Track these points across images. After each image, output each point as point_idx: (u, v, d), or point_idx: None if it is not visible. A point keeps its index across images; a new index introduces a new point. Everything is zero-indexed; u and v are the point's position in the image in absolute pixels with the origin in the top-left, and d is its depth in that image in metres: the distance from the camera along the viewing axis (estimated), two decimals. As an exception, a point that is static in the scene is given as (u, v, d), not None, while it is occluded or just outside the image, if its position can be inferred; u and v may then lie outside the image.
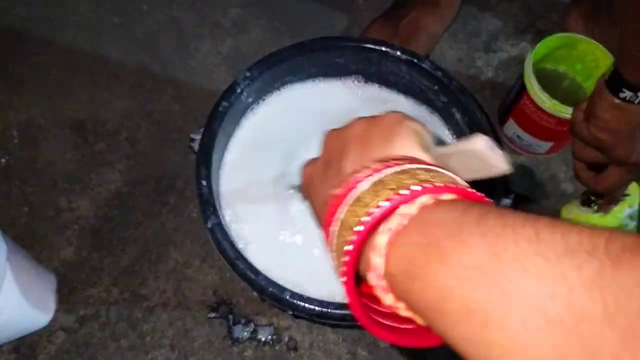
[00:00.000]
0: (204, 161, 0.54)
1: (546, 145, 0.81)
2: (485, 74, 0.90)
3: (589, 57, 0.78)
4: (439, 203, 0.28)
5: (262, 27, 0.92)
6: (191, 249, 0.78)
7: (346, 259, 0.29)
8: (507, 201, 0.55)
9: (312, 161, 0.40)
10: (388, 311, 0.30)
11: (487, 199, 0.30)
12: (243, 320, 0.74)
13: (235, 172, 0.59)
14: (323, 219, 0.33)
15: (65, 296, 0.75)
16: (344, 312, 0.49)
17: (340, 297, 0.53)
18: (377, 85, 0.65)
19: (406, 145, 0.34)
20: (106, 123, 0.84)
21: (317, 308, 0.49)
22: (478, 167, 0.33)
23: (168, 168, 0.82)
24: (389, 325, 0.31)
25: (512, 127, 0.82)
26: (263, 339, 0.73)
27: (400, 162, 0.31)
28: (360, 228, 0.28)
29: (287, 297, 0.49)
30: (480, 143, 0.32)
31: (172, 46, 0.90)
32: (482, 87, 0.89)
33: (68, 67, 0.88)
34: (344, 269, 0.30)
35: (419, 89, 0.62)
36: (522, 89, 0.76)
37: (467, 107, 0.58)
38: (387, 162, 0.32)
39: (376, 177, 0.30)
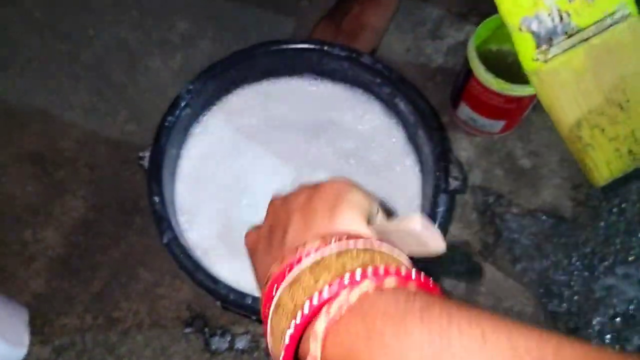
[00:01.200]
0: (155, 177, 0.54)
1: (499, 124, 0.82)
2: (435, 60, 0.91)
3: (529, 34, 0.79)
4: (381, 290, 0.27)
5: (210, 39, 0.93)
6: (161, 267, 0.78)
7: (282, 353, 0.29)
8: (456, 183, 0.56)
9: (257, 228, 0.39)
10: None
11: (429, 283, 0.29)
12: (219, 332, 0.74)
13: (190, 183, 0.60)
14: (262, 295, 0.33)
15: (39, 328, 0.74)
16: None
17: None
18: (322, 79, 0.65)
19: (349, 218, 0.33)
20: (64, 151, 0.84)
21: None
22: (415, 245, 0.33)
23: (130, 189, 0.82)
24: None
25: (465, 110, 0.83)
26: (241, 347, 0.74)
27: (343, 239, 0.31)
28: (298, 318, 0.28)
29: (249, 302, 0.50)
30: (416, 224, 0.31)
31: (123, 67, 0.90)
32: (432, 74, 0.90)
33: (20, 100, 0.88)
34: (282, 356, 0.29)
35: (363, 82, 0.63)
36: (469, 71, 0.77)
37: (410, 95, 0.59)
38: (328, 239, 0.31)
39: (315, 256, 0.30)
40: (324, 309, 0.27)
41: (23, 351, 0.72)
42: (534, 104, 0.80)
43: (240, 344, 0.74)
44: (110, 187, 0.82)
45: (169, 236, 0.52)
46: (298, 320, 0.28)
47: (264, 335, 0.32)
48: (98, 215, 0.81)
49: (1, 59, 0.90)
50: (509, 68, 0.83)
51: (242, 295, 0.50)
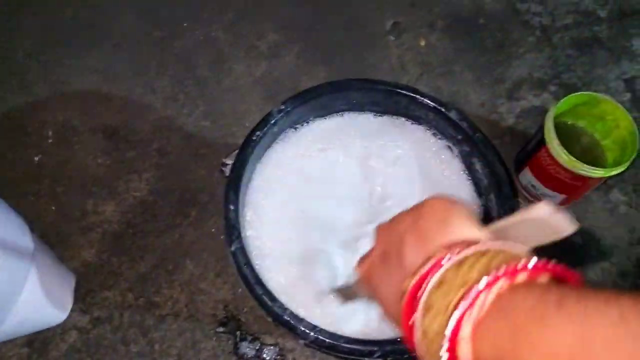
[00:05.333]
0: (234, 187, 0.57)
1: (559, 197, 0.83)
2: (507, 120, 0.92)
3: (609, 117, 0.80)
4: (514, 287, 0.29)
5: (296, 54, 0.96)
6: (207, 263, 0.80)
7: (445, 353, 0.29)
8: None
9: (366, 257, 0.40)
10: None
11: (559, 266, 0.30)
12: (250, 338, 0.77)
13: (261, 193, 0.62)
14: (400, 313, 0.33)
15: (82, 296, 0.77)
16: (352, 346, 0.51)
17: (349, 329, 0.56)
18: (404, 119, 0.67)
19: (462, 226, 0.34)
20: (138, 132, 0.88)
21: (327, 340, 0.51)
22: (542, 233, 0.33)
23: (193, 181, 0.85)
24: None
25: (527, 176, 0.84)
26: (267, 358, 0.76)
27: (465, 247, 0.32)
28: (452, 323, 0.29)
29: (301, 327, 0.52)
30: (545, 210, 0.32)
31: (208, 64, 0.94)
32: (502, 133, 0.91)
33: (107, 74, 0.92)
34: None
35: (444, 133, 0.65)
36: (542, 141, 0.78)
37: (489, 159, 0.60)
38: (451, 248, 0.32)
39: (446, 266, 0.31)
40: (467, 313, 0.29)
41: (64, 315, 0.75)
42: (598, 185, 0.81)
43: (268, 354, 0.76)
44: (175, 175, 0.85)
45: (236, 245, 0.54)
46: (453, 331, 0.29)
47: (410, 342, 0.33)
48: (158, 199, 0.84)
49: (98, 34, 0.95)
50: (580, 145, 0.84)
51: (296, 318, 0.52)
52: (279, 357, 0.76)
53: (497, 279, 0.29)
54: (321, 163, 0.64)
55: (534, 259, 0.30)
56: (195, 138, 0.88)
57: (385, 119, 0.67)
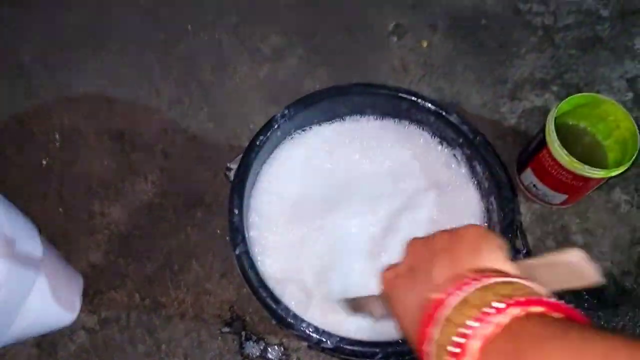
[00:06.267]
0: (238, 191, 0.58)
1: (561, 197, 0.83)
2: (509, 120, 0.93)
3: (611, 117, 0.81)
4: (528, 315, 0.31)
5: (299, 56, 0.96)
6: (213, 263, 0.81)
7: None
8: (519, 256, 0.58)
9: (393, 267, 0.43)
10: None
11: (572, 310, 0.32)
12: (255, 338, 0.78)
13: (265, 197, 0.63)
14: (418, 323, 0.36)
15: (90, 297, 0.79)
16: (355, 348, 0.52)
17: (353, 331, 0.57)
18: (407, 123, 0.68)
19: (493, 259, 0.37)
20: (143, 135, 0.89)
21: (330, 342, 0.52)
22: (567, 278, 0.35)
23: (197, 183, 0.86)
24: None
25: (529, 176, 0.85)
26: (272, 357, 0.77)
27: (493, 274, 0.35)
28: (460, 339, 0.32)
29: (304, 328, 0.53)
30: (577, 257, 0.34)
31: (212, 67, 0.95)
32: (504, 133, 0.92)
33: (112, 78, 0.93)
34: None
35: (445, 136, 0.66)
36: (543, 142, 0.79)
37: (489, 162, 0.61)
38: (481, 273, 0.35)
39: (475, 286, 0.34)
40: (479, 330, 0.31)
41: (73, 316, 0.76)
42: (599, 185, 0.82)
43: (272, 354, 0.77)
44: (180, 177, 0.86)
45: (241, 249, 0.55)
46: (468, 336, 0.31)
47: (420, 351, 0.35)
48: (164, 201, 0.85)
49: (101, 37, 0.96)
50: (581, 145, 0.84)
51: (299, 320, 0.53)
52: (283, 357, 0.77)
53: (514, 304, 0.31)
54: (326, 166, 0.65)
55: (553, 298, 0.33)
56: (199, 140, 0.89)
57: (387, 122, 0.67)
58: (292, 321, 0.53)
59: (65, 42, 0.96)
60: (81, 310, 0.78)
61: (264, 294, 0.54)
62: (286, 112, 0.62)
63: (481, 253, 0.37)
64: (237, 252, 0.56)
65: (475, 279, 0.34)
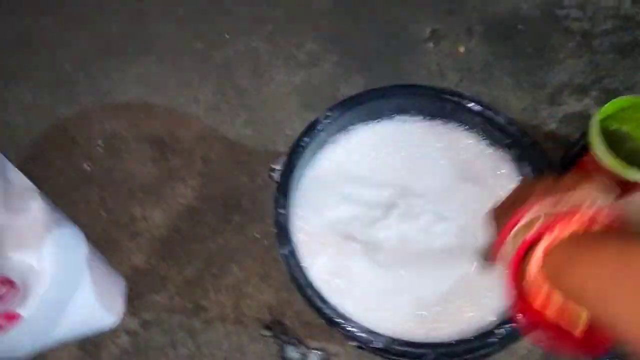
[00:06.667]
0: (283, 191, 0.58)
1: (604, 202, 0.82)
2: (548, 125, 0.92)
3: (654, 122, 0.79)
4: (588, 231, 0.38)
5: (334, 62, 0.97)
6: (252, 267, 0.82)
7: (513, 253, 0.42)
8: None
9: (501, 202, 0.49)
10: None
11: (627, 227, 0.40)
12: (295, 342, 0.77)
13: (311, 200, 0.63)
14: (504, 225, 0.44)
15: (132, 300, 0.79)
16: (405, 349, 0.52)
17: (400, 331, 0.56)
18: (454, 124, 0.67)
19: (587, 189, 0.42)
20: (183, 141, 0.90)
21: (380, 342, 0.52)
22: None
23: (236, 188, 0.87)
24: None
25: (571, 181, 0.83)
26: (312, 362, 0.77)
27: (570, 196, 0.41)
28: (529, 237, 0.40)
29: (353, 329, 0.53)
30: None
31: (249, 74, 0.96)
32: (544, 138, 0.91)
33: (151, 85, 0.95)
34: (517, 249, 0.41)
35: (493, 137, 0.65)
36: (585, 147, 0.78)
37: (538, 163, 0.60)
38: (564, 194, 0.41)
39: (556, 206, 0.41)
40: (545, 239, 0.39)
41: (116, 319, 0.77)
42: None
43: (312, 358, 0.76)
44: (219, 182, 0.87)
45: (288, 248, 0.55)
46: (525, 241, 0.40)
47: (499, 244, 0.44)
48: (203, 205, 0.86)
49: (140, 46, 0.98)
50: (623, 150, 0.83)
51: (347, 320, 0.53)
52: (323, 361, 0.77)
53: (580, 219, 0.39)
54: (371, 166, 0.65)
55: (611, 216, 0.40)
56: (237, 146, 0.90)
57: (434, 122, 0.67)
58: (339, 321, 0.53)
59: (105, 50, 0.98)
60: (124, 313, 0.79)
61: (310, 293, 0.54)
62: (329, 113, 0.62)
63: (578, 185, 0.42)
64: (284, 251, 0.56)
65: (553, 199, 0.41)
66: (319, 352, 0.77)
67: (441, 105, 0.64)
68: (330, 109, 0.62)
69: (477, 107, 0.62)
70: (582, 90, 0.95)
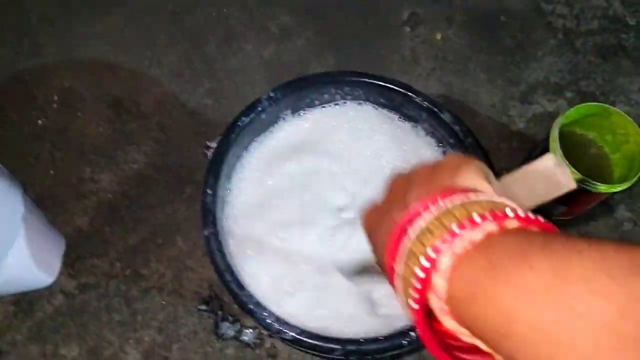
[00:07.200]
0: (214, 171, 0.57)
1: (560, 208, 0.81)
2: (517, 124, 0.90)
3: (620, 131, 0.77)
4: (503, 231, 0.29)
5: (307, 38, 0.94)
6: (197, 241, 0.81)
7: (417, 285, 0.30)
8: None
9: (374, 202, 0.41)
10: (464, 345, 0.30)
11: (550, 225, 0.30)
12: (231, 319, 0.77)
13: (245, 184, 0.62)
14: (385, 246, 0.34)
15: (71, 262, 0.79)
16: (315, 342, 0.51)
17: (315, 325, 0.56)
18: (401, 116, 0.66)
19: (470, 177, 0.35)
20: (141, 104, 0.88)
21: (290, 333, 0.51)
22: (544, 188, 0.35)
23: (190, 159, 0.85)
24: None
25: (530, 184, 0.82)
26: (246, 339, 0.76)
27: (466, 191, 0.32)
28: (432, 254, 0.29)
29: (266, 318, 0.52)
30: (549, 160, 0.35)
31: (217, 42, 0.93)
32: (510, 137, 0.89)
33: (117, 44, 0.92)
34: (415, 295, 0.30)
35: (437, 134, 0.64)
36: (546, 149, 0.76)
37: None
38: (452, 190, 0.33)
39: (442, 203, 0.32)
40: (447, 247, 0.29)
41: (51, 279, 0.77)
42: (601, 199, 0.78)
43: (247, 336, 0.76)
44: (173, 151, 0.85)
45: (210, 230, 0.54)
46: (430, 259, 0.29)
47: (391, 283, 0.33)
48: (154, 173, 0.84)
49: (111, 4, 0.95)
50: (588, 156, 0.81)
51: (262, 308, 0.52)
52: (257, 340, 0.76)
53: (486, 219, 0.29)
54: (311, 149, 0.63)
55: (528, 212, 0.31)
56: (196, 115, 0.88)
57: (381, 111, 0.65)
58: (253, 308, 0.52)
59: (74, 4, 0.95)
60: (61, 274, 0.78)
61: (229, 278, 0.53)
62: (272, 94, 0.60)
63: (457, 173, 0.34)
64: (205, 232, 0.55)
65: (444, 196, 0.32)
66: (252, 331, 0.76)
67: (390, 96, 0.62)
68: (274, 90, 0.61)
69: (425, 103, 0.60)
70: (556, 91, 0.92)
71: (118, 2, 0.95)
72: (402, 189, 0.36)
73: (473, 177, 0.34)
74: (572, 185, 0.35)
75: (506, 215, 0.29)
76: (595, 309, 0.22)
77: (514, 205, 0.31)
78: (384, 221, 0.36)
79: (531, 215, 0.30)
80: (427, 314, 0.31)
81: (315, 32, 0.95)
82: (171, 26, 0.94)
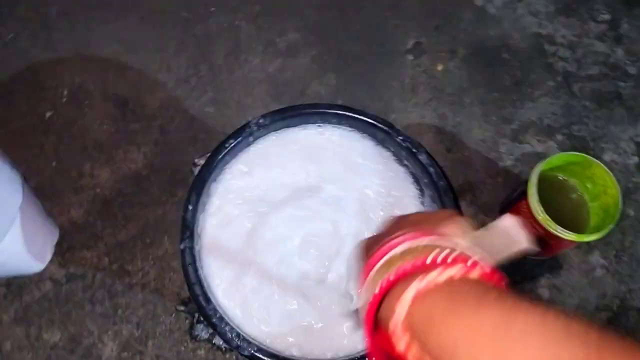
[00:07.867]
0: (197, 189, 0.60)
1: (536, 250, 0.83)
2: (504, 161, 0.92)
3: (599, 182, 0.79)
4: (465, 279, 0.34)
5: (312, 57, 0.97)
6: (182, 243, 0.84)
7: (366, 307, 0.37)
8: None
9: (370, 238, 0.46)
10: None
11: (504, 283, 0.36)
12: (206, 322, 0.81)
13: (223, 201, 0.65)
14: (362, 271, 0.40)
15: (63, 251, 0.83)
16: (271, 360, 0.54)
17: (276, 343, 0.59)
18: (385, 150, 0.68)
19: (450, 229, 0.40)
20: (146, 106, 0.92)
21: (248, 349, 0.55)
22: (504, 244, 0.39)
23: (186, 164, 0.88)
24: None
25: (508, 222, 0.84)
26: (219, 343, 0.80)
27: (443, 236, 0.38)
28: (391, 277, 0.36)
29: (227, 332, 0.55)
30: (507, 221, 0.39)
31: (225, 52, 0.97)
32: (496, 173, 0.91)
33: (128, 45, 0.96)
34: (369, 305, 0.37)
35: (415, 172, 0.66)
36: (525, 192, 0.78)
37: (448, 208, 0.61)
38: (431, 232, 0.38)
39: (418, 242, 0.37)
40: (416, 281, 0.34)
41: (41, 266, 0.81)
42: (576, 245, 0.81)
43: (219, 340, 0.80)
44: (171, 154, 0.89)
45: (186, 244, 0.58)
46: (384, 284, 0.36)
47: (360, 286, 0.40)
48: (150, 174, 0.88)
49: (128, 5, 0.99)
50: (568, 201, 0.83)
51: (224, 322, 0.55)
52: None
53: (455, 263, 0.35)
54: (289, 174, 0.66)
55: (488, 266, 0.36)
56: (197, 122, 0.91)
57: (367, 142, 0.67)
58: (215, 322, 0.56)
59: (92, 2, 0.99)
60: (52, 262, 0.82)
61: (198, 292, 0.57)
62: (261, 121, 0.63)
63: (441, 223, 0.40)
64: (181, 246, 0.58)
65: (425, 235, 0.37)
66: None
67: (373, 132, 0.65)
68: (264, 116, 0.64)
69: (403, 142, 0.63)
70: (548, 133, 0.94)
71: (134, 4, 0.99)
72: (393, 228, 0.42)
73: (451, 229, 0.40)
74: (527, 245, 0.38)
75: (471, 266, 0.35)
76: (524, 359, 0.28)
77: (480, 258, 0.36)
78: (375, 244, 0.42)
79: (492, 270, 0.36)
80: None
81: (321, 51, 0.98)
82: (183, 33, 0.97)
